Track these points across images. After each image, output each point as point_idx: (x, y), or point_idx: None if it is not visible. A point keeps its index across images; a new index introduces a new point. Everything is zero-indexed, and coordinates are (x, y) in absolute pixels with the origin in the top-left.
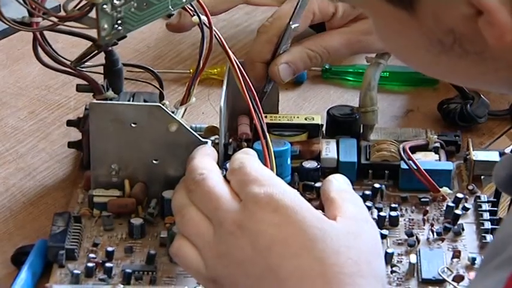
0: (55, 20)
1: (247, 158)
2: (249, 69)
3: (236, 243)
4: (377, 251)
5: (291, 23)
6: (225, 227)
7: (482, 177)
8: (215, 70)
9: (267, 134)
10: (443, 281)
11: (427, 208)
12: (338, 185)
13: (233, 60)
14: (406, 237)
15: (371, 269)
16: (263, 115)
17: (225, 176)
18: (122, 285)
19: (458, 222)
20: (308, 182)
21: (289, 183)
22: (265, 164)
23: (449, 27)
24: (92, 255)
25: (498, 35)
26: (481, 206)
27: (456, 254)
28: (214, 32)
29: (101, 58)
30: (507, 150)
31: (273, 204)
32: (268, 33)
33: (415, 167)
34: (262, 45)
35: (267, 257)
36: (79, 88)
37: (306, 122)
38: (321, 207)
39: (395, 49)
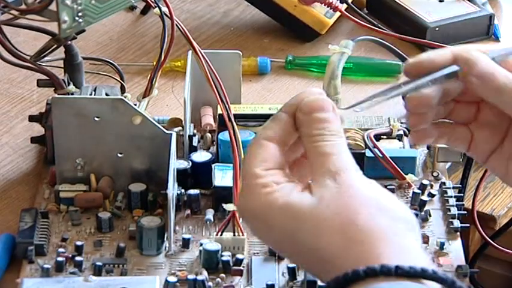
0: (16, 13)
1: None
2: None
3: None
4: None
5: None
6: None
7: (446, 166)
8: (179, 62)
9: (234, 123)
10: None
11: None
12: None
13: (197, 49)
14: None
15: None
16: (230, 105)
17: None
18: (93, 277)
19: (425, 209)
20: None
21: None
22: (233, 154)
23: None
24: (61, 249)
25: None
26: (446, 192)
27: (424, 240)
28: (176, 22)
29: (61, 52)
30: None
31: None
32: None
33: (381, 155)
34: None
35: None
36: (40, 83)
37: (270, 111)
38: None
39: None
